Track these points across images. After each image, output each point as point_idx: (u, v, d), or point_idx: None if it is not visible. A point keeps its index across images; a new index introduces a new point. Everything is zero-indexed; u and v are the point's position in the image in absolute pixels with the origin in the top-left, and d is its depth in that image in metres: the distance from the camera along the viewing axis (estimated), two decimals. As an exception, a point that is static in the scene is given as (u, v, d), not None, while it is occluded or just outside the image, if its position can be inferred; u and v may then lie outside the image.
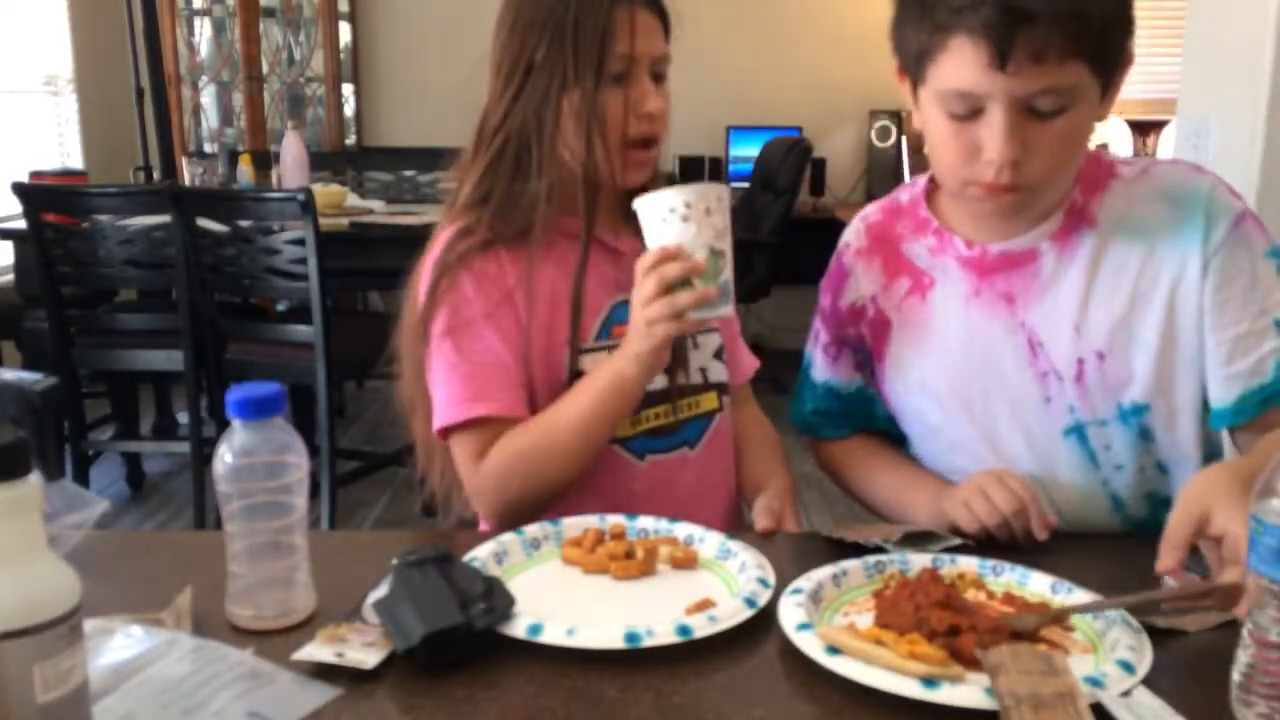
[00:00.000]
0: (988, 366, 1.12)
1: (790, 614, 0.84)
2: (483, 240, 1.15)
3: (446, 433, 1.15)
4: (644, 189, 1.16)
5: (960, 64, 0.97)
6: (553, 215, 1.15)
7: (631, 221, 1.17)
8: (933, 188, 1.19)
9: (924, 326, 1.16)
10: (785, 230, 4.23)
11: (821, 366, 1.26)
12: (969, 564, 0.96)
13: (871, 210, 1.25)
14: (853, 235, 1.24)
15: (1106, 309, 1.08)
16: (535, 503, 1.11)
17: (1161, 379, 1.08)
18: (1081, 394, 1.09)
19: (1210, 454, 1.14)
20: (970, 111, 0.99)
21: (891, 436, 1.26)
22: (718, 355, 1.26)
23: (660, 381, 1.18)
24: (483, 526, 1.18)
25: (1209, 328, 1.06)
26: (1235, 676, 0.72)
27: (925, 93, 1.04)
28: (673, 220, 1.01)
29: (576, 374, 1.15)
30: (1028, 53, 0.94)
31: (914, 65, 1.04)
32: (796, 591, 0.88)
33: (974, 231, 1.13)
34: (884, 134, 4.95)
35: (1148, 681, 0.76)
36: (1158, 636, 0.83)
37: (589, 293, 1.16)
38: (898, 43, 1.06)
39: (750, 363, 1.37)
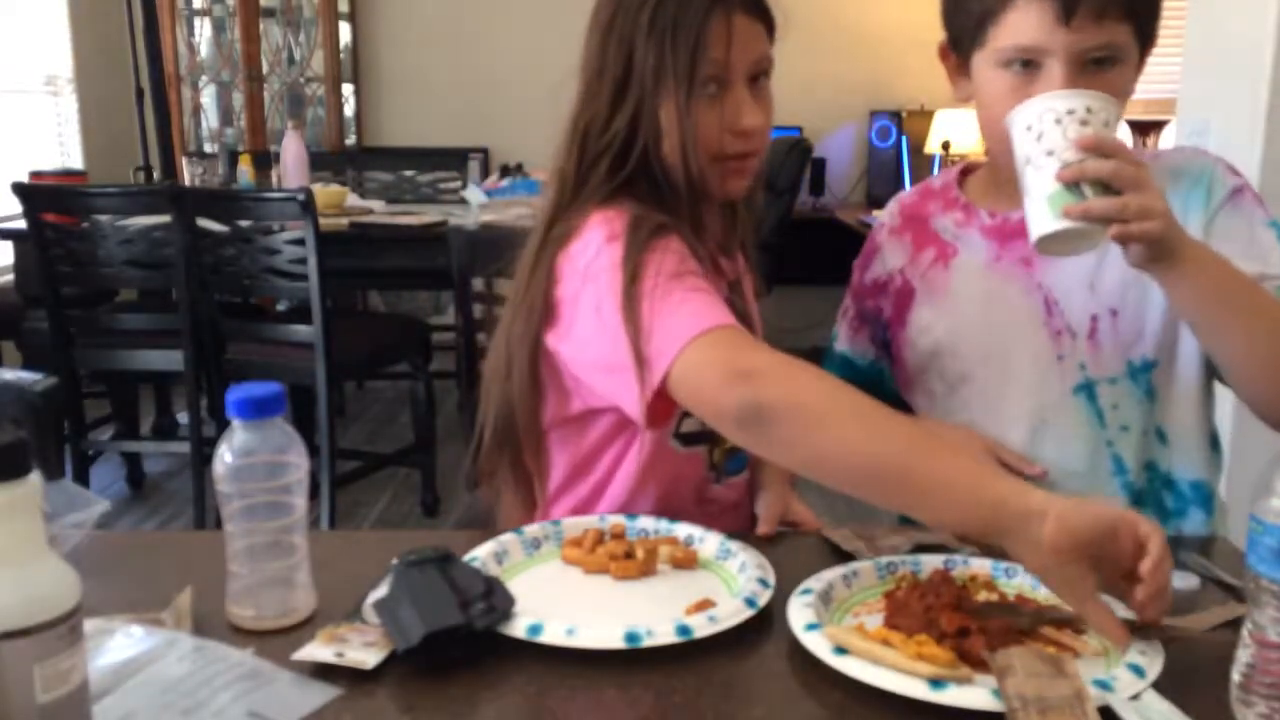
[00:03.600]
0: (1004, 325, 1.16)
1: (799, 614, 0.84)
2: (665, 221, 1.04)
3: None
4: (748, 199, 1.15)
5: (1025, 21, 1.03)
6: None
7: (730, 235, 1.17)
8: (963, 175, 1.26)
9: (945, 290, 1.21)
10: (785, 230, 4.22)
11: (843, 339, 1.33)
12: (981, 566, 0.96)
13: (907, 193, 1.33)
14: (887, 215, 1.31)
15: (1121, 268, 1.11)
16: (788, 436, 0.88)
17: (1168, 335, 1.12)
18: (1094, 351, 1.13)
19: (1212, 435, 1.18)
20: (1026, 69, 1.04)
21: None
22: None
23: None
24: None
25: None
26: (1235, 676, 0.72)
27: (982, 56, 1.09)
28: (1069, 124, 0.92)
29: None
30: (1092, 10, 1.01)
31: (973, 29, 1.08)
32: (806, 592, 0.88)
33: (997, 204, 1.19)
34: (884, 134, 4.95)
35: (1148, 681, 0.76)
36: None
37: None
38: (954, 12, 1.12)
39: None
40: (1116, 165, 0.91)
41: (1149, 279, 1.11)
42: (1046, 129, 0.94)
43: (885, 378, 1.30)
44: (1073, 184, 0.92)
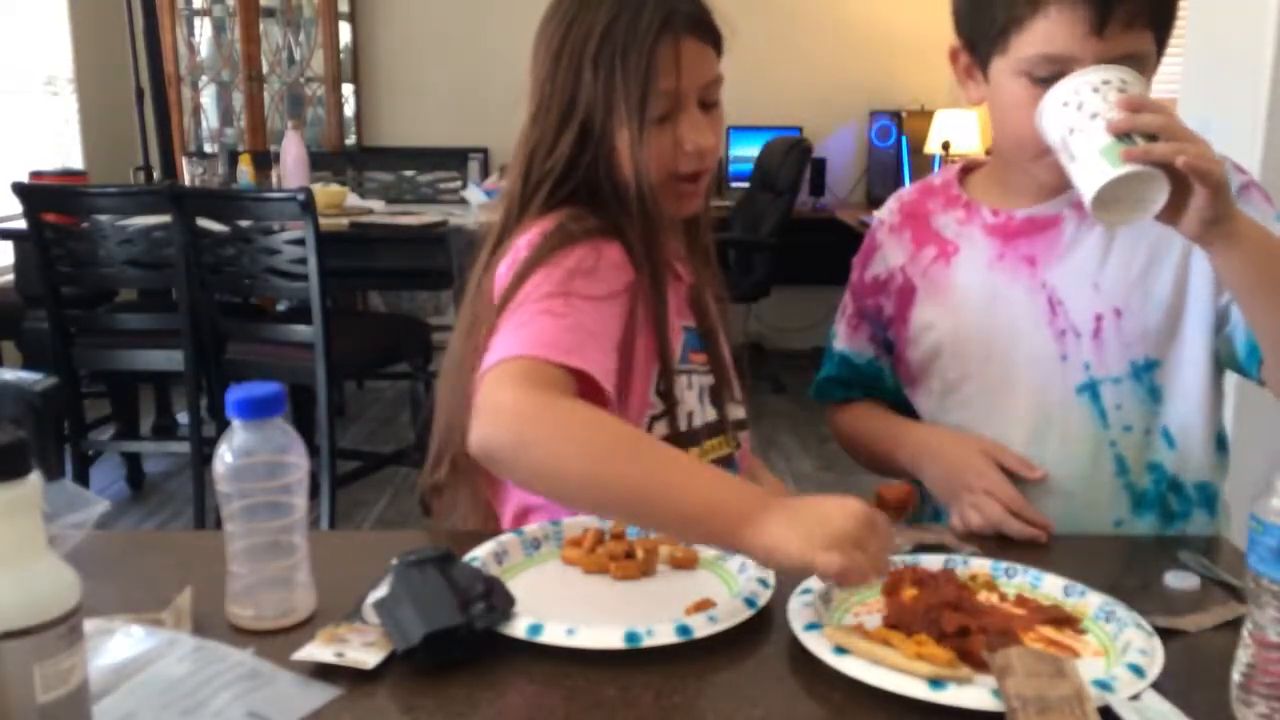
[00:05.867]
0: (1007, 325, 1.16)
1: (799, 614, 0.84)
2: (600, 226, 1.06)
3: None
4: (695, 219, 1.17)
5: (1056, 30, 1.03)
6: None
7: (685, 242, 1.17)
8: (964, 174, 1.26)
9: (947, 289, 1.20)
10: (785, 230, 4.23)
11: (842, 336, 1.33)
12: (982, 565, 0.96)
13: (906, 190, 1.32)
14: (886, 212, 1.30)
15: (1124, 268, 1.12)
16: (523, 477, 0.93)
17: (1172, 333, 1.13)
18: (1097, 350, 1.13)
19: (1218, 437, 1.17)
20: (1051, 77, 1.02)
21: (896, 406, 1.31)
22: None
23: (711, 414, 1.14)
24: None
25: None
26: (1235, 676, 0.72)
27: (1003, 62, 1.08)
28: (1108, 92, 0.93)
29: (666, 394, 1.10)
30: (1122, 20, 1.01)
31: (995, 36, 1.07)
32: (806, 592, 0.88)
33: (1000, 202, 1.19)
34: (884, 134, 4.95)
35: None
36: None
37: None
38: (973, 17, 1.11)
39: None
40: (1167, 118, 0.91)
41: (1151, 280, 1.11)
42: (1086, 99, 0.95)
43: (884, 376, 1.30)
44: (1124, 135, 0.91)
